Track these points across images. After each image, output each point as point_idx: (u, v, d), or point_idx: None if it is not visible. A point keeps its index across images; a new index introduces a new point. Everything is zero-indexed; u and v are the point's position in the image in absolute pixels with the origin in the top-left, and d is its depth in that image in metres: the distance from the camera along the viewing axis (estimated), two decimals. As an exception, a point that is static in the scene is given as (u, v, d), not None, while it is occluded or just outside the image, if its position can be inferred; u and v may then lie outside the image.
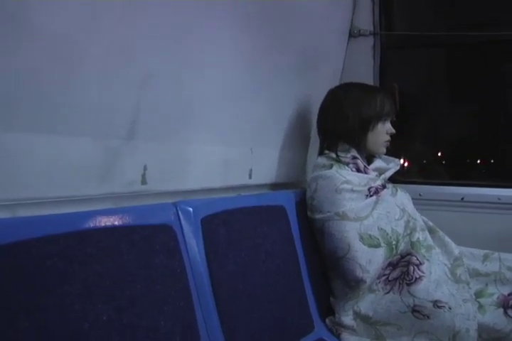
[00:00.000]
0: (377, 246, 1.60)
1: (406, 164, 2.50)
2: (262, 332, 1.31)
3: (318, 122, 1.85)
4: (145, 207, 1.18)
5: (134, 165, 1.26)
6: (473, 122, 2.84)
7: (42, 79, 0.97)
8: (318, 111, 1.85)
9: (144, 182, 1.28)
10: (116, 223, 1.04)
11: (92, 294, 0.92)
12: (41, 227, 0.91)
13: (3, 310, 0.79)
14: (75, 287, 0.90)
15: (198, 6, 1.27)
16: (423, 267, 1.60)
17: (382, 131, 1.76)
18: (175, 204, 1.21)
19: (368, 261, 1.58)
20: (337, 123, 1.75)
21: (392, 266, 1.62)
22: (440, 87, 2.97)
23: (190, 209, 1.22)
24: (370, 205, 1.65)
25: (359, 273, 1.57)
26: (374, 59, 2.19)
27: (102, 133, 1.15)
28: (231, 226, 1.33)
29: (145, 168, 1.28)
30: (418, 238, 1.68)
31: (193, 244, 1.19)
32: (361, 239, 1.59)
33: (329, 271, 1.67)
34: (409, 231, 1.69)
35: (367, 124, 1.73)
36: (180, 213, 1.20)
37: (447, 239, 1.76)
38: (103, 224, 1.01)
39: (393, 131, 1.78)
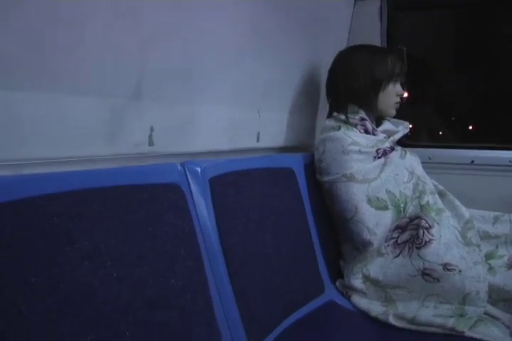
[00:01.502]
0: (385, 208, 1.60)
1: (415, 128, 2.48)
2: (273, 293, 1.31)
3: (327, 84, 1.83)
4: (153, 166, 1.16)
5: (140, 126, 1.23)
6: (484, 84, 2.79)
7: (45, 37, 0.94)
8: (327, 73, 1.83)
9: (150, 143, 1.26)
10: (124, 182, 1.02)
11: (101, 252, 0.91)
12: (48, 185, 0.89)
13: (12, 268, 0.78)
14: (83, 244, 0.88)
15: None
16: (433, 230, 1.58)
17: (393, 92, 1.76)
18: (182, 164, 1.19)
19: (376, 223, 1.58)
20: (348, 84, 1.73)
21: (401, 229, 1.61)
22: (449, 50, 2.92)
23: (198, 169, 1.20)
24: (378, 167, 1.64)
25: (366, 236, 1.57)
26: (381, 21, 2.16)
27: (108, 93, 1.13)
28: (239, 187, 1.31)
29: (152, 129, 1.26)
30: (428, 201, 1.66)
31: (201, 204, 1.17)
32: (369, 201, 1.58)
33: (338, 233, 1.67)
34: (418, 194, 1.68)
35: (378, 84, 1.72)
36: (188, 173, 1.18)
37: (457, 202, 1.74)
38: (111, 183, 0.99)
39: (403, 92, 1.77)
